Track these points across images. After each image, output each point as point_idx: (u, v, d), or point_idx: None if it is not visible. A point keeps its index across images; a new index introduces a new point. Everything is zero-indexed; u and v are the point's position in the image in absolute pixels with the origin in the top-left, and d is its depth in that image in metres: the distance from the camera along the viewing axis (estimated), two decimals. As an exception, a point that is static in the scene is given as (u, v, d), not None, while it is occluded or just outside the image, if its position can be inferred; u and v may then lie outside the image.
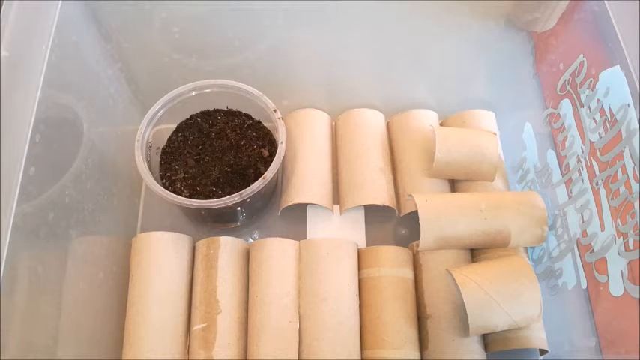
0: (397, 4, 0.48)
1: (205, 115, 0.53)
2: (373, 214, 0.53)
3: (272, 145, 0.51)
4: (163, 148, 0.51)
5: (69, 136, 0.42)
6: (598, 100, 0.40)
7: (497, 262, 0.44)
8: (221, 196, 0.46)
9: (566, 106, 0.44)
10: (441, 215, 0.45)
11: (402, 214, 0.51)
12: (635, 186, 0.35)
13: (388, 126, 0.56)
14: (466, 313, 0.41)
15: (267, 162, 0.48)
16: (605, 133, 0.39)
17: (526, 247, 0.48)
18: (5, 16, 0.37)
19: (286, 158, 0.52)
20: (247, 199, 0.45)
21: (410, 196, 0.48)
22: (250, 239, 0.52)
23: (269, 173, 0.45)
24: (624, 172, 0.36)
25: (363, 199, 0.50)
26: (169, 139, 0.52)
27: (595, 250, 0.40)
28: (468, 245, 0.47)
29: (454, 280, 0.43)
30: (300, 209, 0.52)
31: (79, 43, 0.44)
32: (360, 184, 0.51)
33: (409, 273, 0.46)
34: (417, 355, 0.44)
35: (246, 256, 0.47)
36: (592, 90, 0.41)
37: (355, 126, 0.54)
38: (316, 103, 0.56)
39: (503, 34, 0.51)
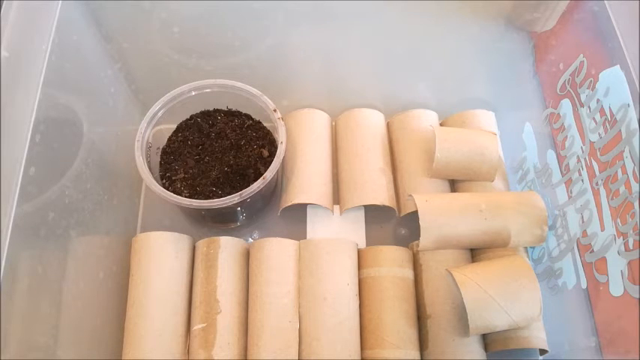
0: (397, 4, 0.48)
1: (205, 115, 0.53)
2: (373, 214, 0.53)
3: (272, 145, 0.51)
4: (163, 148, 0.51)
5: (69, 136, 0.42)
6: (598, 100, 0.40)
7: (497, 262, 0.44)
8: (221, 196, 0.46)
9: (566, 106, 0.44)
10: (441, 215, 0.45)
11: (402, 214, 0.51)
12: (635, 186, 0.35)
13: (388, 126, 0.56)
14: (466, 313, 0.41)
15: (267, 162, 0.48)
16: (605, 133, 0.39)
17: (526, 247, 0.48)
18: (5, 16, 0.37)
19: (286, 158, 0.52)
20: (247, 199, 0.45)
21: (410, 196, 0.48)
22: (250, 239, 0.52)
23: (269, 173, 0.45)
24: (624, 172, 0.36)
25: (363, 199, 0.50)
26: (169, 139, 0.52)
27: (595, 250, 0.40)
28: (468, 245, 0.47)
29: (454, 280, 0.43)
30: (300, 209, 0.52)
31: (79, 43, 0.44)
32: (360, 184, 0.51)
33: (409, 273, 0.46)
34: (417, 355, 0.44)
35: (246, 256, 0.47)
36: (592, 90, 0.41)
37: (355, 126, 0.54)
38: (316, 103, 0.56)
39: (504, 34, 0.51)
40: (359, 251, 0.47)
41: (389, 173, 0.53)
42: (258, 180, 0.45)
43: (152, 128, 0.49)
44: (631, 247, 0.36)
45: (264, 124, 0.52)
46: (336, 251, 0.45)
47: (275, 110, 0.49)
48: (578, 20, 0.44)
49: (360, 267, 0.47)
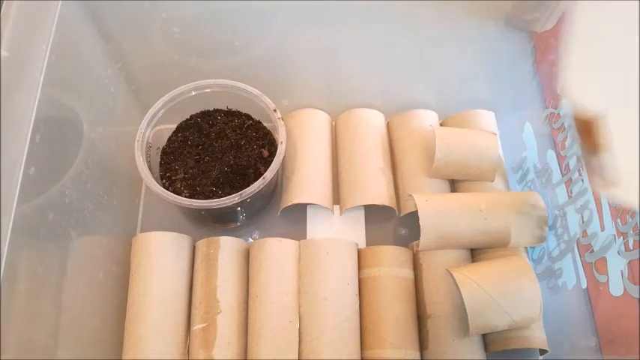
0: (397, 4, 0.48)
1: (205, 115, 0.53)
2: (373, 214, 0.53)
3: (272, 145, 0.51)
4: (163, 148, 0.51)
5: (69, 136, 0.42)
6: (598, 100, 0.40)
7: (497, 262, 0.44)
8: (221, 196, 0.46)
9: (566, 106, 0.45)
10: (441, 215, 0.45)
11: (402, 214, 0.51)
12: (635, 186, 0.35)
13: (388, 126, 0.56)
14: (466, 313, 0.41)
15: (267, 162, 0.48)
16: (605, 133, 0.39)
17: (526, 247, 0.48)
18: (5, 16, 0.37)
19: (286, 158, 0.52)
20: (247, 199, 0.45)
21: (410, 196, 0.48)
22: (250, 239, 0.52)
23: (269, 173, 0.45)
24: (624, 172, 0.36)
25: (363, 199, 0.50)
26: (169, 139, 0.52)
27: (595, 250, 0.40)
28: (467, 245, 0.47)
29: (454, 280, 0.43)
30: (300, 209, 0.52)
31: (79, 43, 0.44)
32: (360, 184, 0.51)
33: (409, 273, 0.46)
34: (417, 355, 0.44)
35: (246, 256, 0.47)
36: (592, 90, 0.41)
37: (355, 126, 0.54)
38: (316, 103, 0.56)
39: (503, 34, 0.51)
40: (359, 251, 0.47)
41: (389, 173, 0.53)
42: (258, 180, 0.45)
43: (152, 128, 0.49)
44: (631, 247, 0.36)
45: (264, 124, 0.52)
46: (336, 251, 0.45)
47: (275, 110, 0.49)
48: (578, 20, 0.44)
49: (360, 267, 0.47)
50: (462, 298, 0.42)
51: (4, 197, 0.32)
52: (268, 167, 0.46)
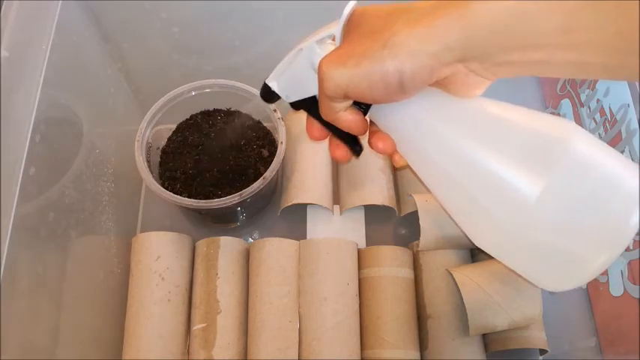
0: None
1: (205, 115, 0.53)
2: (373, 214, 0.53)
3: (272, 145, 0.51)
4: (163, 148, 0.51)
5: (69, 136, 0.42)
6: (598, 100, 0.40)
7: (498, 262, 0.44)
8: (221, 196, 0.46)
9: (566, 106, 0.45)
10: (441, 215, 0.45)
11: (402, 214, 0.51)
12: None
13: (388, 126, 0.56)
14: (466, 313, 0.41)
15: (267, 162, 0.48)
16: (605, 133, 0.39)
17: (526, 247, 0.48)
18: (5, 16, 0.37)
19: (286, 158, 0.52)
20: (247, 199, 0.45)
21: (410, 196, 0.48)
22: (250, 239, 0.52)
23: (269, 173, 0.45)
24: (624, 172, 0.36)
25: (363, 199, 0.50)
26: (169, 139, 0.52)
27: (595, 250, 0.40)
28: (468, 245, 0.47)
29: (454, 280, 0.43)
30: (300, 209, 0.52)
31: (79, 43, 0.44)
32: (360, 184, 0.51)
33: (409, 273, 0.46)
34: (417, 355, 0.44)
35: (246, 256, 0.47)
36: (592, 90, 0.41)
37: (355, 126, 0.54)
38: (316, 103, 0.56)
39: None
40: (359, 251, 0.47)
41: (389, 173, 0.53)
42: (258, 180, 0.45)
43: (152, 128, 0.49)
44: (631, 247, 0.36)
45: (264, 124, 0.52)
46: (336, 251, 0.45)
47: (275, 110, 0.49)
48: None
49: (360, 267, 0.47)
50: (462, 298, 0.42)
51: (4, 197, 0.32)
52: (268, 167, 0.46)
